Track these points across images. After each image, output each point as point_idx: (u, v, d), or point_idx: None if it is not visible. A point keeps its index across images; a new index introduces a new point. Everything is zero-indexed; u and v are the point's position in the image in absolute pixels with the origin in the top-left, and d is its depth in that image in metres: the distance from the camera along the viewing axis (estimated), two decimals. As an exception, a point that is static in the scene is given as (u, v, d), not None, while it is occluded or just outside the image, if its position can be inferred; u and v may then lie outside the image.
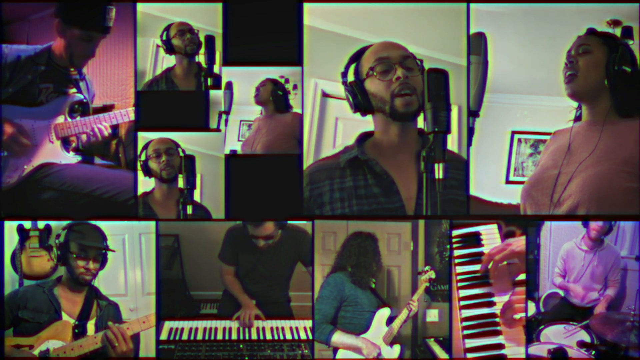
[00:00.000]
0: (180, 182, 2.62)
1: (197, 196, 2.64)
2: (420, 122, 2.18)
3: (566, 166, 2.30)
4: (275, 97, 2.63)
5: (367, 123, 2.27)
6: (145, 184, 2.66)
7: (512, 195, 2.56)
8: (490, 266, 2.31)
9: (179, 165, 2.62)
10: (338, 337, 2.49)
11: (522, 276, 2.35)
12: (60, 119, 2.67)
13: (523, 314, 2.30)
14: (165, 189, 2.66)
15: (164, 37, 2.67)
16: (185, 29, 2.67)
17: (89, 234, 2.56)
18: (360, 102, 2.18)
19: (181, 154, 2.63)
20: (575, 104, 2.40)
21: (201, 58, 2.68)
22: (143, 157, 2.63)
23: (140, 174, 2.64)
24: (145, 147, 2.63)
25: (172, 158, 2.63)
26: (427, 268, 2.55)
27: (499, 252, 2.32)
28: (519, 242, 2.34)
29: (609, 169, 2.21)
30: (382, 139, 2.22)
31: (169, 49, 2.69)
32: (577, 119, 2.41)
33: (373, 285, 2.57)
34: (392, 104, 2.12)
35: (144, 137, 2.63)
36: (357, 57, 2.23)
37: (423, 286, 2.54)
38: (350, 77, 2.23)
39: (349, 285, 2.54)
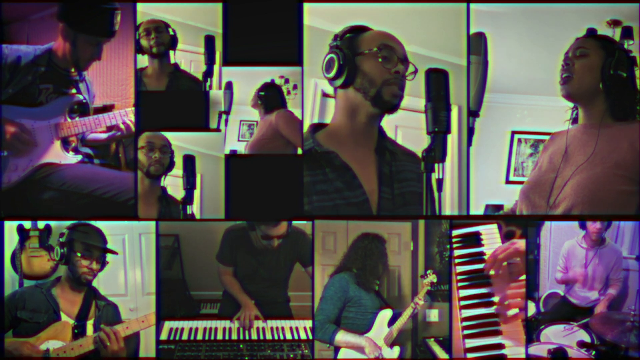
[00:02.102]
0: (163, 181, 2.65)
1: (197, 196, 2.65)
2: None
3: (563, 169, 2.31)
4: (260, 99, 2.63)
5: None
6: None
7: (511, 195, 2.56)
8: (494, 266, 2.31)
9: (168, 165, 2.63)
10: (342, 336, 2.49)
11: (522, 276, 2.35)
12: (61, 120, 2.67)
13: (516, 311, 2.28)
14: (147, 184, 2.65)
15: (137, 37, 2.64)
16: (150, 27, 2.63)
17: (93, 235, 2.57)
18: (344, 72, 2.10)
19: (170, 154, 2.63)
20: (571, 104, 2.41)
21: (174, 56, 2.65)
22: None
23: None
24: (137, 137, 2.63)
25: (164, 157, 2.63)
26: (429, 272, 2.54)
27: (503, 251, 2.32)
28: (522, 242, 2.34)
29: (602, 172, 2.22)
30: (342, 127, 2.16)
31: (139, 48, 2.66)
32: (574, 120, 2.42)
33: (377, 288, 2.57)
34: (380, 89, 2.08)
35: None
36: (356, 30, 2.17)
37: (425, 289, 2.53)
38: (342, 45, 2.14)
39: (353, 286, 2.54)
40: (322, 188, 2.09)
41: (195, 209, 2.64)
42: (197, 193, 2.64)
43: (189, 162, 2.63)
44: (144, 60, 2.68)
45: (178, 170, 2.65)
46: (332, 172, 2.10)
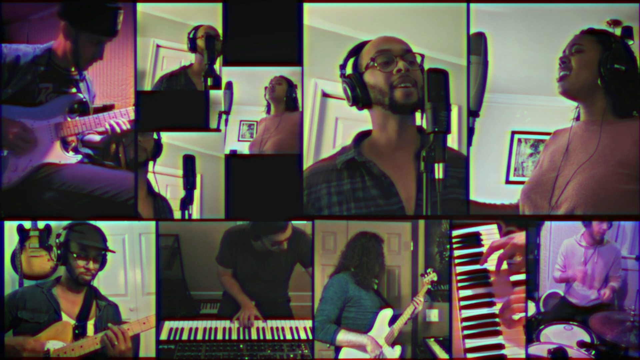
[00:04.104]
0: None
1: (197, 196, 2.64)
2: (419, 120, 2.20)
3: (564, 168, 2.29)
4: (288, 98, 2.63)
5: (367, 123, 2.27)
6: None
7: (511, 196, 2.56)
8: (492, 262, 2.30)
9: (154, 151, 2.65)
10: (343, 336, 2.50)
11: (522, 276, 2.35)
12: (60, 119, 2.67)
13: (522, 314, 2.29)
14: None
15: (191, 36, 2.68)
16: (213, 34, 2.67)
17: (90, 234, 2.56)
18: (359, 94, 2.17)
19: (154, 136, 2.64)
20: (575, 103, 2.40)
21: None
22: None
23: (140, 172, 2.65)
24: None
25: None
26: (429, 270, 2.55)
27: (501, 246, 2.31)
28: (521, 236, 2.34)
29: (604, 172, 2.19)
30: (380, 138, 2.21)
31: (192, 47, 2.70)
32: (577, 118, 2.40)
33: (375, 287, 2.57)
34: (391, 95, 2.12)
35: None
36: (356, 51, 2.24)
37: (425, 288, 2.54)
38: (349, 71, 2.23)
39: (352, 285, 2.54)
40: (359, 195, 2.15)
41: (195, 209, 2.64)
42: (197, 193, 2.65)
43: (189, 162, 2.63)
44: (186, 58, 2.73)
45: (177, 170, 2.66)
46: (370, 180, 2.16)
